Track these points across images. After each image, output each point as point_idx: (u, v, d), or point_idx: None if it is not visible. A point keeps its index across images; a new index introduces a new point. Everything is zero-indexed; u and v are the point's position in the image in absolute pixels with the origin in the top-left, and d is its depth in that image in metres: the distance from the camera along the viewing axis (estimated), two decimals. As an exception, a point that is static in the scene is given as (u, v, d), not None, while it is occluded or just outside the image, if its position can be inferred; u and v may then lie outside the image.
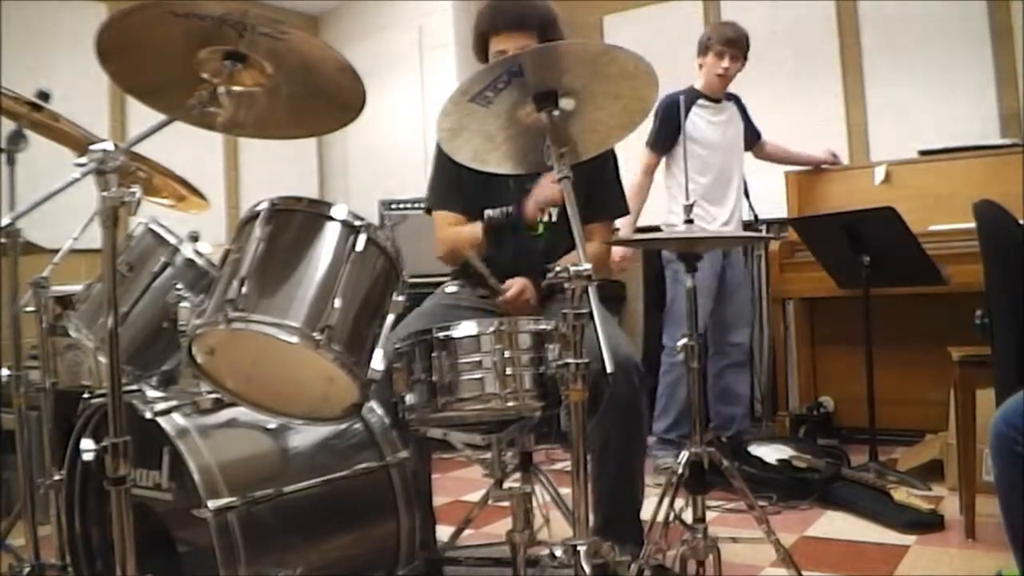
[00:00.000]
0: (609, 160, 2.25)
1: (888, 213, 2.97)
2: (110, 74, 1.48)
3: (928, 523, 2.52)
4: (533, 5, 2.17)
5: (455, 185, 2.25)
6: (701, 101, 3.44)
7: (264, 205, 1.54)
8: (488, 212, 2.23)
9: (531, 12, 2.15)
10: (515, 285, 2.11)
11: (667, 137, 3.37)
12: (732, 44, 3.38)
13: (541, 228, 2.27)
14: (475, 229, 2.23)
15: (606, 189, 2.28)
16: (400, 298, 1.59)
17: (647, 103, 1.63)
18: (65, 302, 2.03)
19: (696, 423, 1.96)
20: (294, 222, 1.55)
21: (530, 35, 2.12)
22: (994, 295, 1.97)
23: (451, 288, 2.30)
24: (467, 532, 2.25)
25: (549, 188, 2.13)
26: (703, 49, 3.44)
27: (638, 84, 1.57)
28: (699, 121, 3.43)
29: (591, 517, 1.48)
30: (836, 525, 2.65)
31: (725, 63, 3.39)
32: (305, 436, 1.80)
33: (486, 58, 2.19)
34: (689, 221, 2.00)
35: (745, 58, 3.42)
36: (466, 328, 1.56)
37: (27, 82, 2.01)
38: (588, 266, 1.37)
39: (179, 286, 1.78)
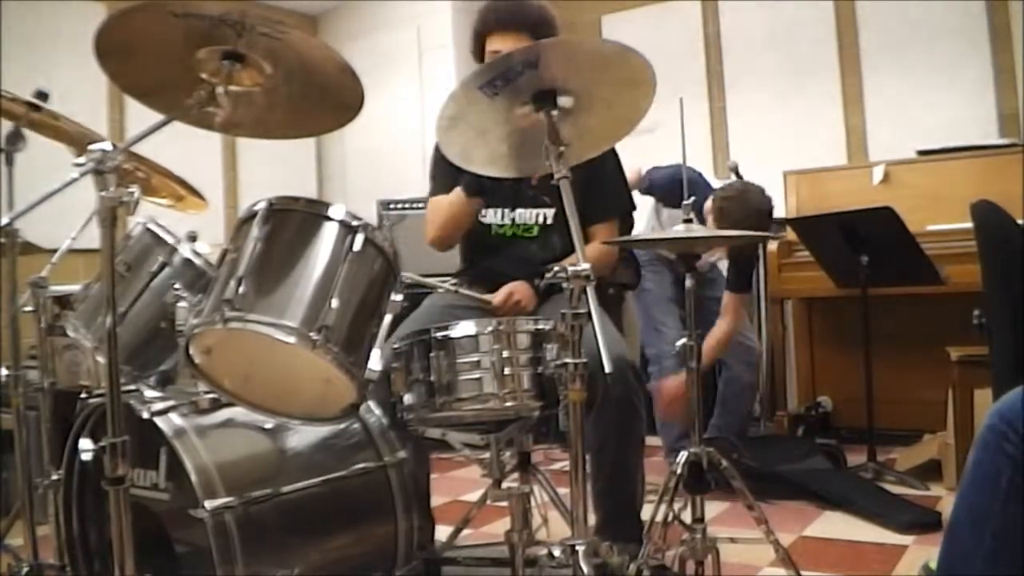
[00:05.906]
0: (608, 157, 2.20)
1: (886, 213, 2.97)
2: (109, 74, 1.48)
3: (927, 523, 2.52)
4: (527, 5, 2.17)
5: (453, 175, 2.22)
6: None
7: (262, 205, 1.54)
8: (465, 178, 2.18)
9: (525, 12, 2.15)
10: (501, 292, 2.11)
11: None
12: None
13: (536, 231, 2.27)
14: (456, 193, 2.18)
15: (604, 187, 2.26)
16: (398, 298, 1.59)
17: (638, 115, 1.63)
18: (63, 302, 2.03)
19: (695, 423, 1.96)
20: (292, 222, 1.55)
21: (522, 35, 2.11)
22: (992, 295, 1.97)
23: (441, 289, 2.30)
24: (465, 532, 2.25)
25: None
26: None
27: (638, 95, 1.58)
28: None
29: (590, 517, 1.48)
30: (835, 525, 2.64)
31: None
32: (303, 436, 1.80)
33: (483, 59, 2.18)
34: (688, 221, 1.99)
35: None
36: (464, 328, 1.56)
37: (27, 82, 2.02)
38: (587, 266, 1.37)
39: (177, 286, 1.78)
